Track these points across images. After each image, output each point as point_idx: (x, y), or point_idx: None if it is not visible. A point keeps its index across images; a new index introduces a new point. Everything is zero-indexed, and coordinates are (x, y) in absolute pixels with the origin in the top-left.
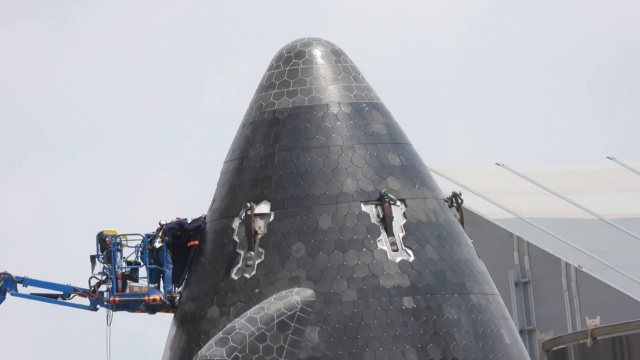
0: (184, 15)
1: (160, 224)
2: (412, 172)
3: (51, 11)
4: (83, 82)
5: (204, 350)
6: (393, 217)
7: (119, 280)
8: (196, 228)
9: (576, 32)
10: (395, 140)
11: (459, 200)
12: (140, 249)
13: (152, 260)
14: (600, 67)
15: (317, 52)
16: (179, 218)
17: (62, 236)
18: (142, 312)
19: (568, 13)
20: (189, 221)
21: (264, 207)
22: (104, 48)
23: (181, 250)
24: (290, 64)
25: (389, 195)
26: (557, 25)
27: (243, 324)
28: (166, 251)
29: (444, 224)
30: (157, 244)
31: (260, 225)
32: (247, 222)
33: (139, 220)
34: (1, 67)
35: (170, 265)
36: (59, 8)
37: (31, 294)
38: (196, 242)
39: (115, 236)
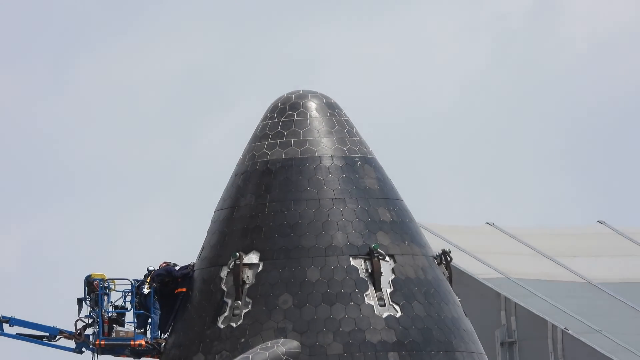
0: (179, 65)
1: (148, 270)
2: (402, 228)
3: (49, 59)
4: (74, 128)
5: None
6: (382, 273)
7: (106, 324)
8: (184, 275)
9: (573, 95)
10: (386, 196)
11: (448, 258)
12: (129, 293)
13: (139, 306)
14: (594, 131)
15: (312, 105)
16: (166, 262)
17: (50, 278)
18: (128, 356)
19: (567, 76)
20: (177, 268)
21: (252, 257)
22: (96, 95)
23: (169, 296)
24: (285, 116)
25: (378, 250)
26: (554, 88)
27: None
28: (154, 297)
29: (432, 281)
30: (145, 290)
31: (248, 275)
32: (236, 272)
33: (128, 265)
34: None
35: (158, 311)
36: (56, 57)
37: (17, 334)
38: (184, 290)
39: (103, 280)
